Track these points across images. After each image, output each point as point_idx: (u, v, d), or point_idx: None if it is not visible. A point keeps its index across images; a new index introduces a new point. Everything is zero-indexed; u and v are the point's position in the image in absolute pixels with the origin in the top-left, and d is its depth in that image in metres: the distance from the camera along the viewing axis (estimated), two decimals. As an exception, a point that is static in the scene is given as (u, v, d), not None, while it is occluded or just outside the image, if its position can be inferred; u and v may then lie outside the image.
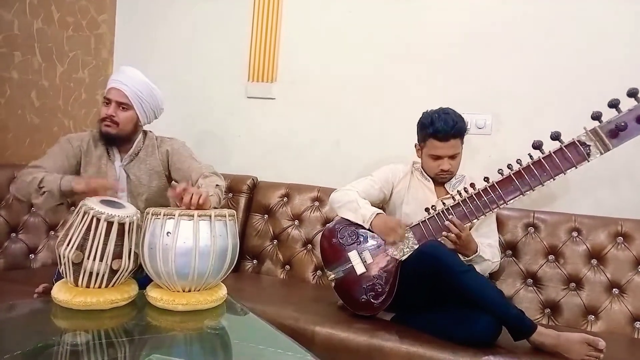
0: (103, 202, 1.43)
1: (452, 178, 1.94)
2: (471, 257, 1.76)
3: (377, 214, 1.81)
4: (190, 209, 1.42)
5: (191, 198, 1.43)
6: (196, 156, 1.96)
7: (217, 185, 1.74)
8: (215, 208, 1.59)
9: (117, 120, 1.80)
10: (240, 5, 2.66)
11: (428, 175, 1.95)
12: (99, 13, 2.82)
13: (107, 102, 1.82)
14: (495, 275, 1.99)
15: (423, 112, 1.92)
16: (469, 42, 2.26)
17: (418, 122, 1.94)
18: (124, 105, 1.81)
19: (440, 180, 1.93)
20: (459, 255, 1.75)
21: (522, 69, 2.18)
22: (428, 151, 1.89)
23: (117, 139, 1.85)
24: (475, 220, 1.74)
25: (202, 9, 2.75)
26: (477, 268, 1.76)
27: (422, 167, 1.98)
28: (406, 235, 1.77)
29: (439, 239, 1.74)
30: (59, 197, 1.65)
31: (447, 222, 1.72)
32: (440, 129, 1.81)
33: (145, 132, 1.96)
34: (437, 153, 1.86)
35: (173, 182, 2.00)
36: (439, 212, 1.75)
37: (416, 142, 1.98)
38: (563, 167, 1.62)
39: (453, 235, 1.70)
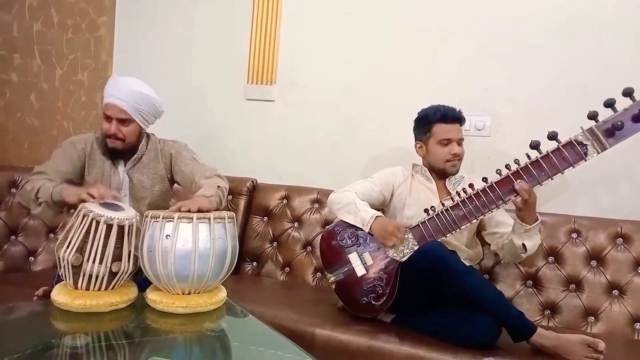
0: (103, 204, 1.43)
1: (459, 167, 1.95)
2: (532, 226, 1.71)
3: (377, 217, 1.80)
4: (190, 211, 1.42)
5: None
6: (199, 158, 1.96)
7: (218, 186, 1.74)
8: (216, 209, 1.59)
9: (122, 137, 1.80)
10: (239, 7, 2.66)
11: (437, 166, 1.94)
12: (99, 15, 2.82)
13: (108, 118, 1.80)
14: (495, 277, 1.99)
15: (419, 111, 1.97)
16: (468, 43, 2.27)
17: (418, 118, 1.98)
18: (125, 121, 1.80)
19: (449, 171, 1.93)
20: (519, 224, 1.72)
21: (521, 71, 2.19)
22: (437, 138, 1.91)
23: (125, 152, 1.85)
24: (475, 221, 1.74)
25: (202, 11, 2.76)
26: (530, 242, 1.73)
27: (428, 164, 1.97)
28: (406, 236, 1.77)
29: (442, 238, 1.73)
30: (54, 207, 1.66)
31: (516, 184, 1.62)
32: (447, 111, 1.90)
33: (148, 136, 1.95)
34: (448, 136, 1.89)
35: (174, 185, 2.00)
36: (438, 213, 1.75)
37: (416, 141, 1.99)
38: (561, 166, 1.62)
39: (520, 199, 1.63)
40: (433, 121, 1.91)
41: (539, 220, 1.74)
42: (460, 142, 1.92)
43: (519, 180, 1.64)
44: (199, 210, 1.43)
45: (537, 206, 2.08)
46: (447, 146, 1.90)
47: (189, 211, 1.42)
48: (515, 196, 1.64)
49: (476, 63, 2.25)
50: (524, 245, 1.74)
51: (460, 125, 1.93)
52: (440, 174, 1.95)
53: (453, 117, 1.90)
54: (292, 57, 2.60)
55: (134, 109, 1.79)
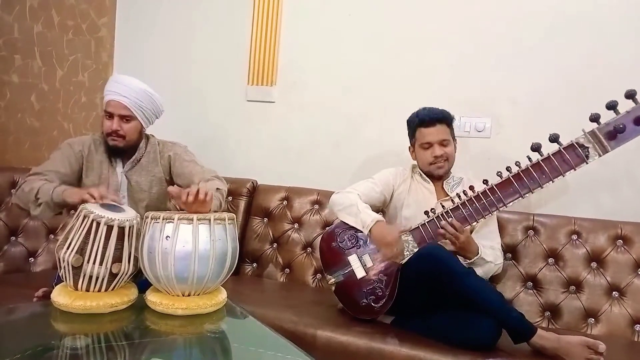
0: (103, 205, 1.43)
1: (449, 169, 1.95)
2: (473, 260, 1.76)
3: (377, 221, 1.79)
4: (190, 212, 1.42)
5: (197, 193, 1.42)
6: (198, 160, 1.96)
7: (218, 189, 1.74)
8: (215, 212, 1.59)
9: (123, 134, 1.80)
10: (240, 9, 2.66)
11: (423, 169, 1.96)
12: (99, 17, 2.82)
13: (109, 115, 1.81)
14: (495, 279, 1.98)
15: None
16: (469, 45, 2.27)
17: (407, 125, 1.98)
18: (127, 117, 1.80)
19: (435, 173, 1.93)
20: (460, 258, 1.75)
21: (522, 73, 2.18)
22: (419, 142, 1.93)
23: (126, 151, 1.85)
24: (475, 223, 1.75)
25: (202, 12, 2.76)
26: (479, 270, 1.76)
27: (419, 167, 1.99)
28: (406, 238, 1.77)
29: (439, 242, 1.73)
30: (54, 207, 1.66)
31: (442, 223, 1.71)
32: (425, 115, 1.91)
33: (147, 137, 1.95)
34: (426, 140, 1.90)
35: (175, 185, 2.00)
36: (438, 215, 1.75)
37: (409, 145, 2.00)
38: (562, 169, 1.62)
39: (450, 236, 1.70)
40: (414, 126, 1.94)
41: (479, 255, 1.76)
42: (444, 142, 1.90)
43: (450, 219, 1.71)
44: (200, 206, 1.43)
45: (539, 209, 2.10)
46: (428, 149, 1.91)
47: (190, 208, 1.42)
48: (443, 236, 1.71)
49: (476, 63, 2.25)
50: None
51: (446, 124, 1.91)
52: (432, 177, 1.95)
53: (430, 119, 1.88)
54: (292, 58, 2.60)
55: (135, 105, 1.80)
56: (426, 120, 1.89)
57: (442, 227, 1.72)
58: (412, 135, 1.98)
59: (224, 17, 2.72)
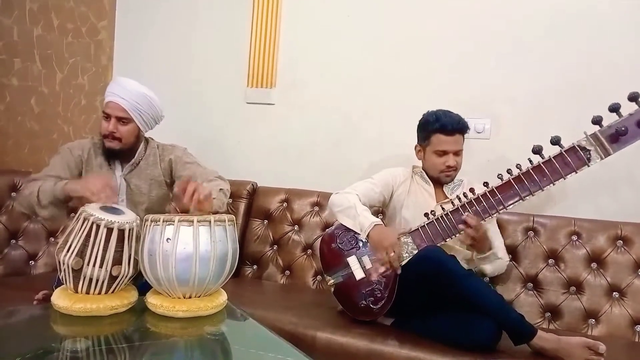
0: (103, 208, 1.43)
1: (455, 177, 1.94)
2: (487, 254, 1.76)
3: (375, 225, 1.78)
4: (189, 213, 1.42)
5: (194, 193, 1.43)
6: (200, 161, 1.96)
7: (220, 189, 1.74)
8: (216, 212, 1.59)
9: (118, 136, 1.80)
10: (239, 11, 2.67)
11: (432, 174, 1.95)
12: (99, 20, 2.82)
13: (107, 116, 1.81)
14: (496, 280, 1.98)
15: (424, 113, 1.94)
16: (468, 44, 2.27)
17: (420, 123, 1.95)
18: (124, 120, 1.80)
19: (443, 180, 1.93)
20: (461, 260, 1.75)
21: (522, 73, 2.19)
22: (433, 148, 1.90)
23: (121, 153, 1.85)
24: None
25: (202, 15, 2.76)
26: (491, 267, 1.78)
27: (424, 168, 1.98)
28: (405, 240, 1.77)
29: (445, 241, 1.73)
30: (61, 204, 1.66)
31: (464, 216, 1.69)
32: (447, 122, 1.85)
33: (146, 140, 1.95)
34: (443, 148, 1.87)
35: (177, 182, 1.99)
36: (438, 218, 1.75)
37: (416, 144, 1.99)
38: (563, 172, 1.61)
39: (471, 229, 1.67)
40: (432, 130, 1.88)
41: (492, 250, 1.77)
42: (458, 152, 1.89)
43: (467, 214, 1.69)
44: (200, 205, 1.43)
45: (539, 210, 2.10)
46: (442, 157, 1.88)
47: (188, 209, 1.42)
48: (466, 227, 1.68)
49: (476, 62, 2.26)
50: (482, 269, 1.81)
51: (462, 135, 1.89)
52: (436, 181, 1.95)
53: (452, 128, 1.85)
54: (291, 60, 2.60)
55: (134, 108, 1.79)
56: (448, 128, 1.84)
57: (463, 220, 1.68)
58: (425, 137, 1.92)
59: (223, 19, 2.72)
